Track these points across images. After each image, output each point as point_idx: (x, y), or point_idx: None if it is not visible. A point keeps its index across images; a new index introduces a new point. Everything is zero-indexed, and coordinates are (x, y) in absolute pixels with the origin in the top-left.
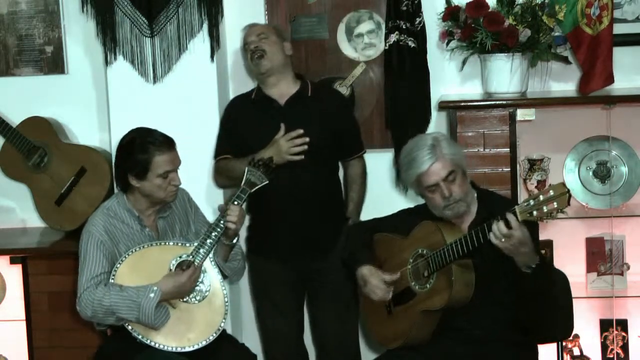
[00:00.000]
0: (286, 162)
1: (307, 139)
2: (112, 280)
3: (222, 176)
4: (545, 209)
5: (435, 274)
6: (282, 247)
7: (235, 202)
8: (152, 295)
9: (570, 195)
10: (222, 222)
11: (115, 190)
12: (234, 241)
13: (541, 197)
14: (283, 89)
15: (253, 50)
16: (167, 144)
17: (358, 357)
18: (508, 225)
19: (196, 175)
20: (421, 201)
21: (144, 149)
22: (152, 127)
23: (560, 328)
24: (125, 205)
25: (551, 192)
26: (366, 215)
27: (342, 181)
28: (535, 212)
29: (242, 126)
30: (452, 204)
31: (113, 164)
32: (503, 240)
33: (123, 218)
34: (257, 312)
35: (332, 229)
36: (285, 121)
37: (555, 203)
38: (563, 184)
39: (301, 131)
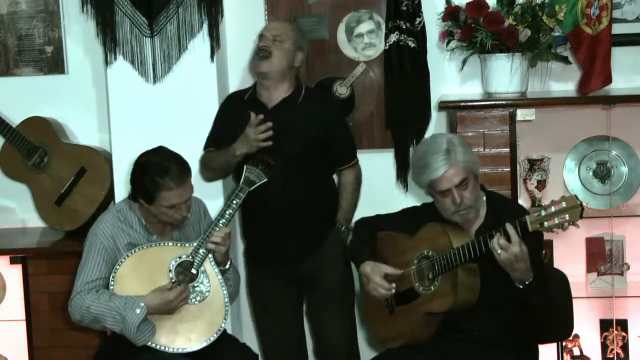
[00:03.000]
0: (259, 150)
1: (269, 124)
2: (113, 282)
3: (203, 168)
4: (556, 220)
5: (439, 277)
6: (271, 252)
7: (234, 202)
8: (138, 311)
9: (583, 209)
10: (221, 221)
11: (116, 191)
12: (227, 267)
13: (553, 209)
14: (275, 93)
15: (260, 48)
16: (177, 178)
17: (356, 355)
18: (508, 239)
19: (196, 176)
20: (425, 199)
21: (153, 181)
22: (176, 152)
23: (559, 328)
24: (136, 212)
25: (563, 204)
26: (366, 215)
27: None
28: (546, 223)
29: (230, 124)
30: (462, 210)
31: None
32: (500, 252)
33: (132, 224)
34: (254, 319)
35: (319, 234)
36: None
37: (567, 215)
38: (576, 197)
39: (261, 116)
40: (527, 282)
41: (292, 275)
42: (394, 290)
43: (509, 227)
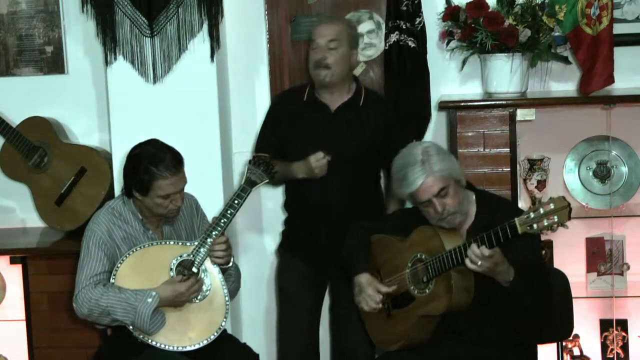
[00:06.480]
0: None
1: (329, 157)
2: (113, 281)
3: None
4: (545, 222)
5: (434, 280)
6: (312, 248)
7: (236, 202)
8: (149, 300)
9: (570, 210)
10: (222, 220)
11: (116, 191)
12: (229, 265)
13: (541, 211)
14: (337, 95)
15: (318, 60)
16: (172, 167)
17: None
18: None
19: (196, 176)
20: None
21: (147, 170)
22: (169, 145)
23: (559, 328)
24: (131, 207)
25: (551, 206)
26: None
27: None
28: (535, 225)
29: (288, 125)
30: (445, 217)
31: (122, 168)
32: (480, 263)
33: (127, 219)
34: (277, 307)
35: None
36: (333, 127)
37: (555, 217)
38: (563, 198)
39: (329, 158)
40: (510, 279)
41: (323, 273)
42: (380, 305)
43: (483, 249)
